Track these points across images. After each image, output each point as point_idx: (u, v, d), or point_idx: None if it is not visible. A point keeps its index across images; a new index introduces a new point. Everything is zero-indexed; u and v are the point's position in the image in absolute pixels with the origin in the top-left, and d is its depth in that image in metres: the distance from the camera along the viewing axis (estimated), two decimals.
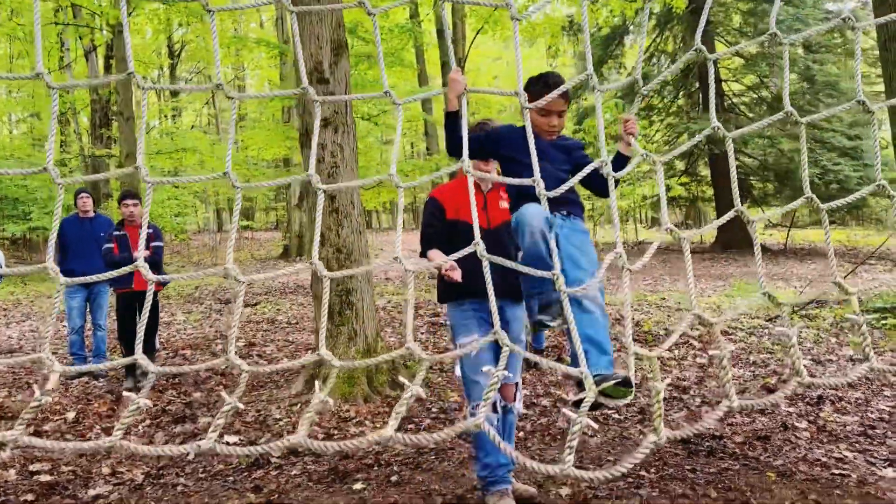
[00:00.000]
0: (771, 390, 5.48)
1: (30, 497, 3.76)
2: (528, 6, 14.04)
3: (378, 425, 4.86)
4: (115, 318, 6.59)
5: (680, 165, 23.14)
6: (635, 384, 2.49)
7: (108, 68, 17.24)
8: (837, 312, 8.19)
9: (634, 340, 2.78)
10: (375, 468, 4.06)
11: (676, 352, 6.84)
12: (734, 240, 20.23)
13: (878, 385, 5.38)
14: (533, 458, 4.19)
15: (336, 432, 4.75)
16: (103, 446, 1.97)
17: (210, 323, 10.39)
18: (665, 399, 5.31)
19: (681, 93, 22.51)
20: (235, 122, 2.71)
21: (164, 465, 4.20)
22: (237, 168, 19.35)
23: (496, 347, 3.22)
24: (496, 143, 2.93)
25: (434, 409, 5.16)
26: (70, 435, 4.88)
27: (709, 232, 27.09)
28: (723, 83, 20.69)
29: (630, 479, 3.70)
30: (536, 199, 2.38)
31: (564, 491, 3.59)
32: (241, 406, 2.16)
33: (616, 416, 4.94)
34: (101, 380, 6.41)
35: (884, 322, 7.30)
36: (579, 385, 2.40)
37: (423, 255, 3.49)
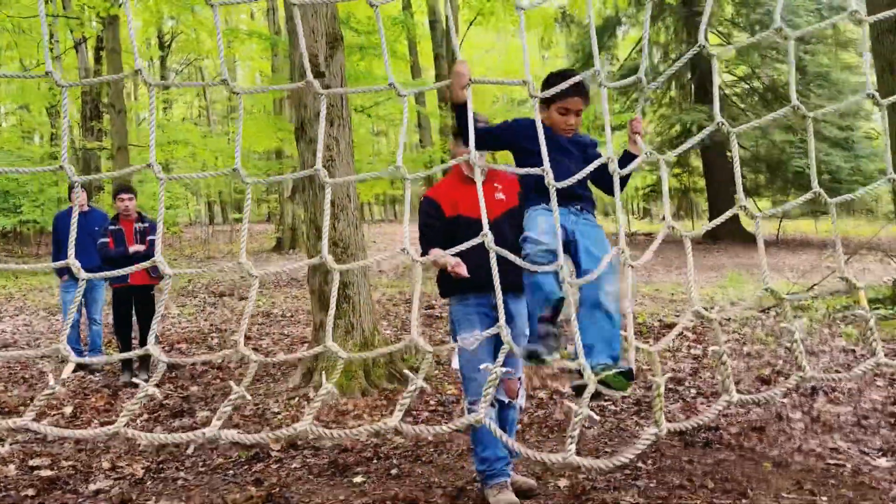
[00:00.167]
0: (766, 381, 5.53)
1: (30, 492, 3.77)
2: None
3: (376, 418, 4.89)
4: (109, 312, 6.59)
5: (671, 156, 23.16)
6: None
7: (97, 60, 17.13)
8: (830, 303, 8.26)
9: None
10: (375, 461, 4.08)
11: (671, 343, 6.89)
12: (725, 230, 20.31)
13: (870, 375, 5.43)
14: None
15: (335, 425, 4.77)
16: (108, 433, 2.00)
17: (205, 316, 10.38)
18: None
19: (673, 84, 22.56)
20: (242, 117, 2.69)
21: (163, 459, 4.21)
22: (230, 161, 19.27)
23: (496, 343, 3.24)
24: (515, 135, 2.93)
25: (432, 402, 5.19)
26: (68, 429, 4.87)
27: (699, 221, 27.21)
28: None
29: (627, 471, 3.74)
30: (542, 190, 2.41)
31: (563, 483, 3.62)
32: (249, 396, 2.18)
33: (613, 407, 4.98)
34: (97, 374, 6.41)
35: (875, 313, 7.36)
36: (580, 375, 2.43)
37: (423, 255, 3.49)
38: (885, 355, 2.21)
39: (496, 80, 3.04)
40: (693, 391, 5.32)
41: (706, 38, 2.54)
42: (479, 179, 2.48)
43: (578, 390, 2.48)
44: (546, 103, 2.92)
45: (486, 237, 2.28)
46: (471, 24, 15.63)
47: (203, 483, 3.90)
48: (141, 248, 6.14)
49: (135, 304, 6.30)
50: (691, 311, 2.27)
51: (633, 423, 4.64)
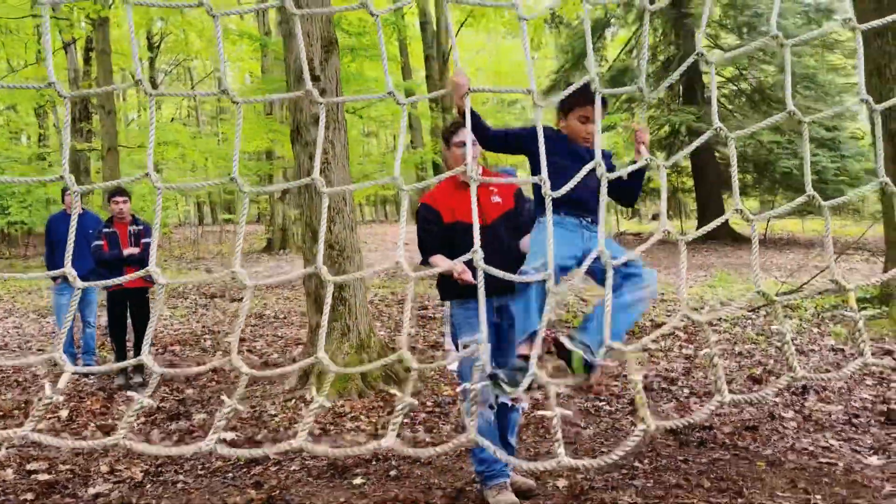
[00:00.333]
0: (757, 380, 5.60)
1: (29, 496, 3.78)
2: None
3: (373, 420, 4.92)
4: (102, 314, 6.58)
5: (660, 156, 23.34)
6: (622, 375, 2.56)
7: (87, 61, 17.04)
8: (819, 303, 8.36)
9: None
10: (374, 463, 4.11)
11: (662, 343, 6.95)
12: (713, 229, 20.44)
13: (859, 374, 5.51)
14: (528, 451, 4.27)
15: (332, 428, 4.79)
16: (107, 444, 2.00)
17: (197, 318, 10.37)
18: (654, 390, 5.42)
19: (659, 85, 22.61)
20: (240, 125, 2.71)
21: (162, 462, 4.22)
22: (221, 162, 19.25)
23: (494, 346, 3.28)
24: (532, 141, 2.94)
25: (429, 403, 5.22)
26: (65, 433, 4.88)
27: (687, 221, 27.36)
28: (703, 75, 20.84)
29: (624, 471, 3.79)
30: (561, 202, 2.43)
31: (561, 483, 3.67)
32: (241, 408, 2.20)
33: (608, 408, 5.03)
34: (91, 377, 6.39)
35: (863, 313, 7.46)
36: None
37: (424, 262, 3.51)
38: (873, 355, 2.27)
39: (500, 89, 3.05)
40: (686, 391, 5.38)
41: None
42: (473, 193, 2.47)
43: (559, 345, 2.59)
44: (565, 111, 2.95)
45: (476, 254, 2.29)
46: (462, 26, 15.66)
47: (203, 486, 3.92)
48: (135, 250, 6.14)
49: (130, 307, 6.29)
50: (680, 314, 2.32)
51: (629, 422, 4.69)
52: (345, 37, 14.24)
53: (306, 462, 4.17)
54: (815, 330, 7.24)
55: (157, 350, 7.73)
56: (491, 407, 3.43)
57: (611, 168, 2.85)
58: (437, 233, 3.48)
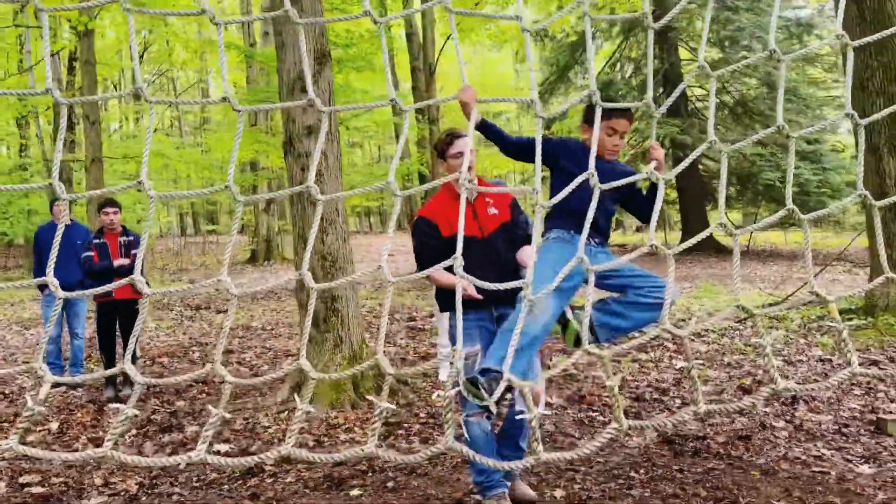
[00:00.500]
0: (747, 391, 5.65)
1: None
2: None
3: (367, 430, 4.91)
4: (94, 327, 6.52)
5: (645, 169, 23.46)
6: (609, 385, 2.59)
7: (71, 71, 16.94)
8: (805, 314, 8.45)
9: None
10: (370, 474, 4.10)
11: (652, 354, 7.00)
12: (698, 241, 20.60)
13: (847, 385, 5.58)
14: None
15: (326, 439, 4.78)
16: (95, 456, 1.97)
17: (183, 330, 10.29)
18: (646, 400, 5.46)
19: (642, 98, 22.83)
20: (240, 133, 2.71)
21: (156, 474, 4.19)
22: (205, 172, 19.17)
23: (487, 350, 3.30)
24: (559, 153, 2.95)
25: (422, 415, 5.22)
26: (56, 446, 4.83)
27: (671, 233, 27.58)
28: (687, 88, 21.08)
29: (621, 481, 3.81)
30: (566, 213, 2.46)
31: (559, 493, 3.68)
32: (228, 416, 2.20)
33: (601, 418, 5.06)
34: (80, 389, 6.33)
35: (849, 323, 7.56)
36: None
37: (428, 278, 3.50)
38: (860, 365, 2.31)
39: (503, 99, 3.08)
40: (678, 401, 5.42)
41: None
42: (463, 199, 2.48)
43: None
44: (592, 123, 2.93)
45: (457, 260, 2.29)
46: (448, 38, 15.74)
47: (198, 498, 3.89)
48: (126, 261, 6.10)
49: (119, 319, 6.25)
50: (660, 328, 2.36)
51: (622, 433, 4.71)
52: (332, 48, 14.28)
53: (302, 474, 4.15)
54: (802, 340, 7.32)
55: (144, 362, 7.67)
56: (488, 417, 3.44)
57: (632, 187, 2.87)
58: (436, 246, 3.44)
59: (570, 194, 2.35)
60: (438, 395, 2.21)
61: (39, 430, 5.16)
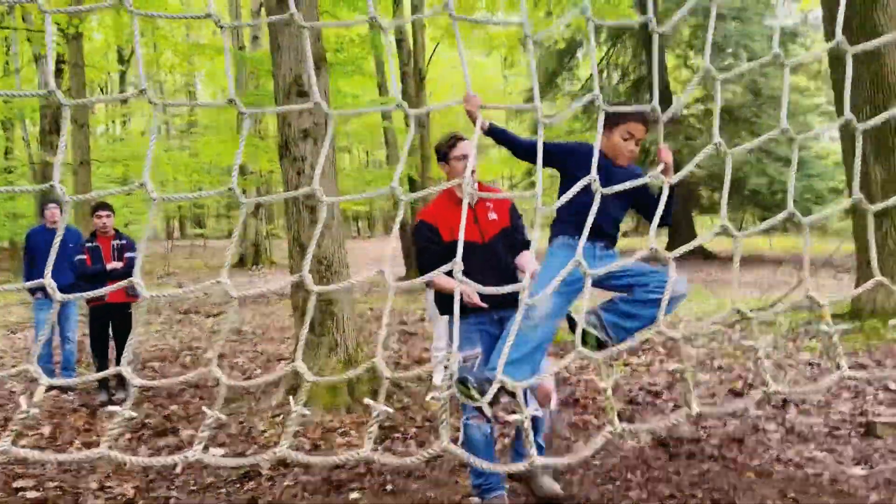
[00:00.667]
0: (738, 394, 5.71)
1: None
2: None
3: (364, 434, 4.91)
4: (86, 331, 6.49)
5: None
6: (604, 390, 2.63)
7: (58, 73, 16.81)
8: (793, 318, 8.55)
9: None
10: (368, 477, 4.12)
11: (644, 358, 7.06)
12: (683, 244, 20.75)
13: (836, 388, 5.65)
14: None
15: (322, 443, 4.79)
16: (92, 457, 1.96)
17: (173, 334, 10.25)
18: (639, 404, 5.50)
19: (632, 103, 23.06)
20: (245, 136, 2.71)
21: (153, 478, 4.18)
22: (195, 176, 19.09)
23: (489, 355, 3.32)
24: (570, 158, 2.96)
25: (418, 419, 5.24)
26: (50, 450, 4.80)
27: (658, 238, 27.74)
28: (674, 95, 21.25)
29: (618, 483, 3.85)
30: (572, 220, 2.48)
31: None
32: (224, 417, 2.20)
33: (595, 421, 5.10)
34: (72, 393, 6.29)
35: (836, 328, 7.65)
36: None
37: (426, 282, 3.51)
38: (850, 368, 2.36)
39: (508, 106, 3.11)
40: (670, 404, 5.47)
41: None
42: (465, 205, 2.51)
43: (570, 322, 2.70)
44: (610, 127, 2.94)
45: (456, 265, 2.31)
46: (438, 44, 15.82)
47: (195, 502, 3.89)
48: (119, 265, 6.08)
49: (112, 323, 6.22)
50: (655, 329, 2.40)
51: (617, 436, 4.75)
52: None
53: (300, 478, 4.16)
54: (791, 345, 7.41)
55: (135, 367, 7.63)
56: (488, 420, 3.47)
57: (643, 191, 2.89)
58: (437, 251, 3.42)
59: (577, 201, 2.37)
60: (434, 398, 2.23)
61: (32, 434, 5.13)
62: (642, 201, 3.09)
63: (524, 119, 22.80)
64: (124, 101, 31.01)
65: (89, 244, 6.15)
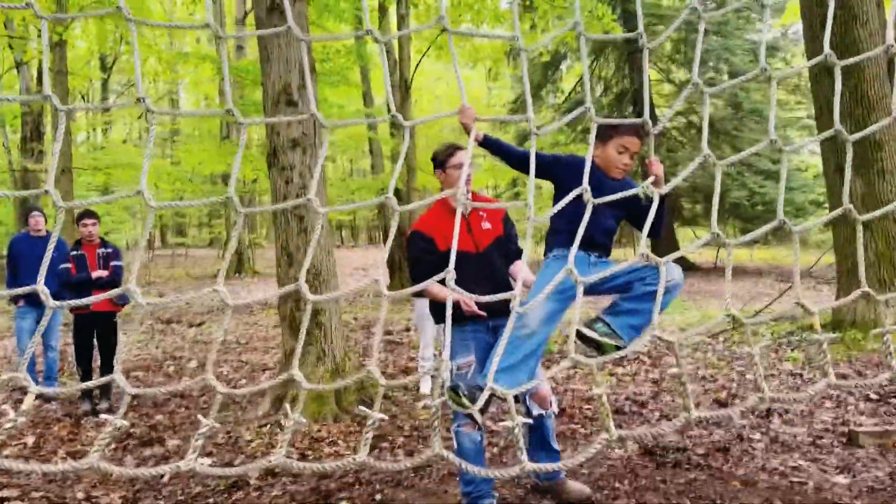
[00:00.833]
0: (722, 404, 5.77)
1: None
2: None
3: (351, 444, 4.91)
4: (68, 340, 6.43)
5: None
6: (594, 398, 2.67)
7: (40, 81, 16.69)
8: (775, 329, 8.65)
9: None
10: (357, 487, 4.11)
11: (629, 367, 7.11)
12: (665, 255, 20.91)
13: (819, 398, 5.73)
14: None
15: (310, 453, 4.77)
16: (81, 468, 1.96)
17: (155, 344, 10.17)
18: (625, 413, 5.54)
19: (615, 117, 23.25)
20: (243, 145, 2.73)
21: (140, 488, 4.15)
22: (178, 184, 18.99)
23: (484, 363, 3.35)
24: (563, 170, 3.00)
25: (406, 427, 5.24)
26: (34, 460, 4.75)
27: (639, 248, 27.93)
28: (655, 108, 21.47)
29: (607, 492, 3.87)
30: (567, 232, 2.51)
31: (546, 503, 3.73)
32: (218, 425, 2.21)
33: (582, 430, 5.13)
34: (55, 403, 6.22)
35: (818, 337, 7.75)
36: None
37: (419, 292, 3.52)
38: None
39: (501, 118, 3.14)
40: (657, 413, 5.51)
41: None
42: (458, 215, 2.55)
43: (582, 337, 2.73)
44: (604, 140, 2.98)
45: (449, 274, 2.35)
46: (423, 56, 15.89)
47: None
48: (104, 273, 6.04)
49: (96, 331, 6.17)
50: (652, 333, 2.43)
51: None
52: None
53: (287, 487, 4.14)
54: (773, 355, 7.49)
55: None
56: (478, 428, 3.48)
57: (635, 199, 2.93)
58: (432, 261, 3.42)
59: (572, 212, 2.41)
60: (425, 405, 2.24)
61: (15, 444, 5.07)
62: (635, 212, 3.13)
63: (508, 130, 22.91)
64: (106, 110, 30.73)
65: (74, 252, 6.11)
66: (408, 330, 10.18)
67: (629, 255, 21.13)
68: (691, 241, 23.28)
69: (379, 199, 2.67)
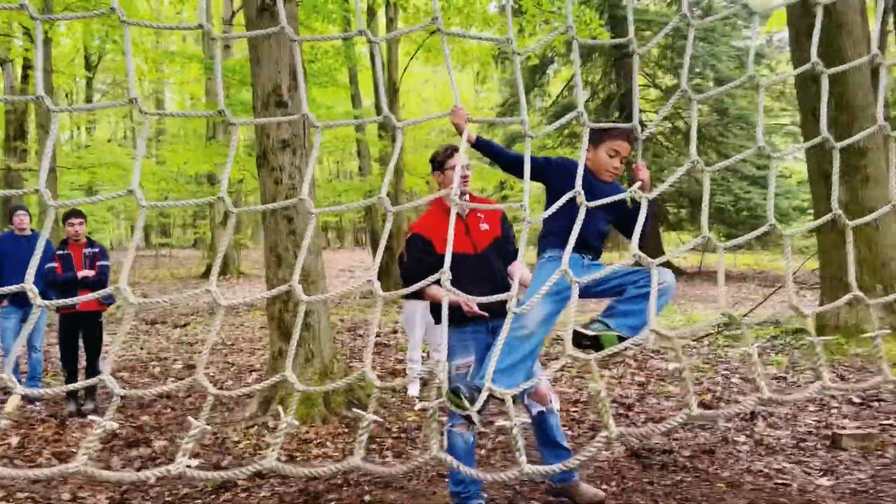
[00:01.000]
0: (708, 406, 5.82)
1: None
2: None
3: (339, 445, 4.92)
4: (52, 340, 6.38)
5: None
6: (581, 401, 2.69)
7: (24, 79, 16.58)
8: (759, 333, 8.73)
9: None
10: (346, 488, 4.11)
11: (615, 371, 7.16)
12: (650, 262, 21.04)
13: (802, 402, 5.80)
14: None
15: (299, 454, 4.77)
16: (68, 472, 1.88)
17: (140, 345, 10.10)
18: (612, 415, 5.57)
19: (601, 121, 23.34)
20: (234, 146, 2.72)
21: (126, 489, 4.13)
22: (163, 184, 18.88)
23: (482, 362, 3.36)
24: (556, 173, 3.03)
25: (394, 430, 5.25)
26: (19, 461, 4.71)
27: (626, 253, 28.09)
28: (641, 113, 21.61)
29: None
30: (561, 234, 2.54)
31: None
32: (209, 428, 2.20)
33: (569, 432, 5.15)
34: (39, 403, 6.17)
35: (802, 342, 7.85)
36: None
37: (418, 294, 3.53)
38: (815, 381, 2.45)
39: (493, 120, 3.16)
40: (643, 416, 5.56)
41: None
42: (453, 215, 2.57)
43: (579, 337, 2.76)
44: (595, 143, 3.02)
45: (444, 274, 2.37)
46: (411, 58, 15.91)
47: None
48: (90, 273, 6.01)
49: (82, 331, 6.13)
50: (646, 330, 2.46)
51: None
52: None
53: (276, 488, 4.14)
54: (758, 359, 7.55)
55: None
56: (472, 429, 3.50)
57: (622, 205, 2.97)
58: (431, 262, 3.40)
59: (564, 215, 2.43)
60: (423, 407, 2.25)
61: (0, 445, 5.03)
62: (621, 216, 3.18)
63: (496, 134, 22.99)
64: (97, 109, 30.70)
65: (60, 252, 6.06)
66: (395, 332, 10.19)
67: (615, 259, 21.24)
68: (677, 246, 23.48)
69: (372, 199, 2.68)
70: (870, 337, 2.38)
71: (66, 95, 30.54)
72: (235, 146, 2.75)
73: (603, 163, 3.03)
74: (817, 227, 8.08)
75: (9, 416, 2.01)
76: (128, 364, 8.33)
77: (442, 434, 3.55)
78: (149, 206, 2.38)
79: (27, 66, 16.27)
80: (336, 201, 18.10)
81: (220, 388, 6.92)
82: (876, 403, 5.63)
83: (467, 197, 3.67)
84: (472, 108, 28.71)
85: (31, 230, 6.83)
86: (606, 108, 22.09)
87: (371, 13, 15.90)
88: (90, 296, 2.28)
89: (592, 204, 2.63)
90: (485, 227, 3.62)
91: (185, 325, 12.01)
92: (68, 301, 2.35)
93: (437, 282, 3.49)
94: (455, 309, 3.36)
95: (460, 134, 2.79)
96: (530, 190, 2.77)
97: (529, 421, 3.33)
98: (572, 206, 2.43)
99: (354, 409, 2.33)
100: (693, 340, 8.82)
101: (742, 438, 4.92)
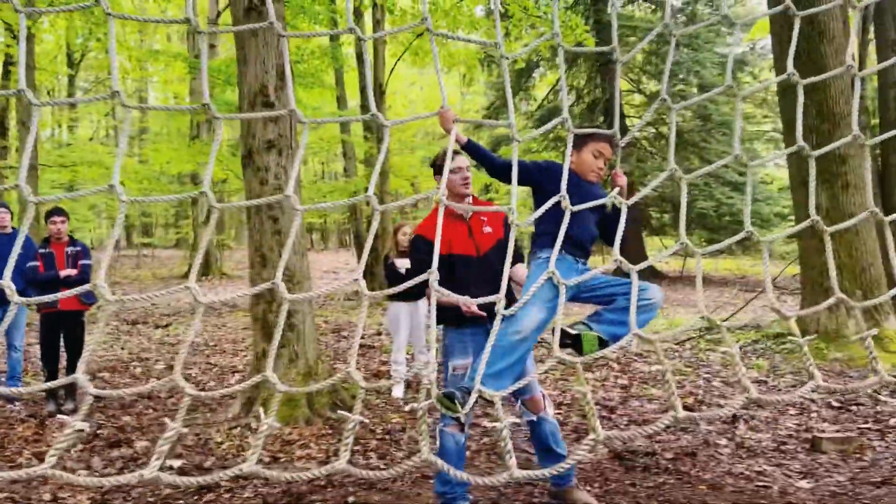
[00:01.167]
0: (689, 409, 5.86)
1: None
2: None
3: (323, 447, 4.90)
4: (31, 339, 6.31)
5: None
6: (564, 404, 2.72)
7: (6, 76, 16.38)
8: (740, 337, 8.81)
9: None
10: (330, 489, 4.11)
11: (598, 374, 7.19)
12: (634, 264, 21.16)
13: (783, 405, 5.86)
14: (483, 475, 4.35)
15: (282, 455, 4.75)
16: (34, 474, 1.88)
17: (121, 345, 10.01)
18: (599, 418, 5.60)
19: (586, 126, 23.45)
20: (218, 140, 2.72)
21: (108, 489, 4.09)
22: (146, 183, 18.73)
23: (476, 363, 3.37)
24: (543, 176, 3.06)
25: (378, 431, 5.24)
26: None
27: (608, 258, 28.23)
28: (626, 118, 21.76)
29: None
30: (564, 241, 2.56)
31: None
32: (185, 430, 2.18)
33: None
34: (18, 403, 6.10)
35: (783, 346, 7.93)
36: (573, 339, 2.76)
37: (418, 296, 3.54)
38: (793, 387, 2.48)
39: (481, 121, 3.18)
40: (625, 419, 5.59)
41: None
42: (441, 214, 2.59)
43: (563, 335, 2.78)
44: (579, 145, 3.07)
45: (433, 274, 2.38)
46: (398, 59, 15.91)
47: None
48: (73, 272, 5.95)
49: (63, 331, 6.07)
50: (628, 336, 2.49)
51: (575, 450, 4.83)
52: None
53: (259, 489, 4.12)
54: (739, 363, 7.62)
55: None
56: (462, 429, 3.50)
57: (603, 208, 3.01)
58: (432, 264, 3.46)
59: (557, 217, 2.47)
60: (413, 407, 2.26)
61: None
62: (602, 220, 3.22)
63: (481, 137, 23.03)
64: (73, 105, 30.14)
65: (42, 250, 6.01)
66: (379, 334, 10.17)
67: (598, 263, 21.33)
68: (659, 251, 23.60)
69: (360, 197, 2.69)
70: (858, 339, 2.42)
71: (49, 93, 30.18)
72: (219, 142, 2.75)
73: (588, 164, 3.08)
74: (798, 233, 8.20)
75: None
76: (108, 364, 8.26)
77: (432, 436, 3.55)
78: (129, 200, 2.35)
79: (9, 62, 16.09)
80: (321, 202, 18.06)
81: (202, 390, 6.87)
82: (854, 407, 5.71)
83: (470, 199, 3.68)
84: (458, 110, 28.78)
85: (12, 228, 6.75)
86: (591, 112, 22.18)
87: (358, 15, 15.88)
88: (69, 292, 2.26)
89: (578, 207, 2.67)
90: (488, 229, 3.62)
91: (166, 326, 11.92)
92: (46, 299, 2.32)
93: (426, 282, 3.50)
94: (454, 310, 3.36)
95: (448, 132, 2.81)
96: (517, 193, 2.79)
97: (518, 422, 3.34)
98: (556, 203, 2.48)
99: (339, 411, 2.32)
100: (675, 344, 8.88)
101: (723, 441, 4.96)
